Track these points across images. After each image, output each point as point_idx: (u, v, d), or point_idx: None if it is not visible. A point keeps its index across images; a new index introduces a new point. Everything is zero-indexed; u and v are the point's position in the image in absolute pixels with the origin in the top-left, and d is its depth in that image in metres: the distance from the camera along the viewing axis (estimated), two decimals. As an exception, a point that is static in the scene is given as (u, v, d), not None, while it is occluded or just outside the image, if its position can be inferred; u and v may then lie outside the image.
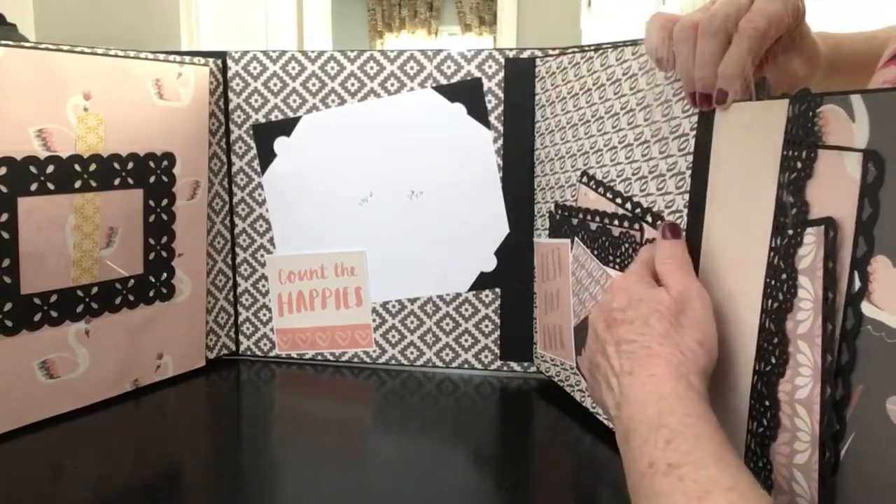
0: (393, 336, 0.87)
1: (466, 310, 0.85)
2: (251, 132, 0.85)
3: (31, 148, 0.66)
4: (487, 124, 0.81)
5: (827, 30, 0.57)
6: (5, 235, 0.65)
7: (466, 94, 0.81)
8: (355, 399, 0.81)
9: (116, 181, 0.73)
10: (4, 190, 0.64)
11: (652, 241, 0.55)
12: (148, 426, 0.73)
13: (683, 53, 0.48)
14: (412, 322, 0.86)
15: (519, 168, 0.81)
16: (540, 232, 0.81)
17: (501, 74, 0.80)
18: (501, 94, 0.80)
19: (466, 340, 0.85)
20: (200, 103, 0.81)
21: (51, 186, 0.67)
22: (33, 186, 0.66)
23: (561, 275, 0.76)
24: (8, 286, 0.65)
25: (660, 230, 0.52)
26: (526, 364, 0.85)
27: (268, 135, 0.85)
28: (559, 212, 0.76)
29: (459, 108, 0.81)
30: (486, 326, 0.85)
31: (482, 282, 0.84)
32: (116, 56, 0.72)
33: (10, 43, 0.64)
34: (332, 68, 0.83)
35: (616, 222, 0.65)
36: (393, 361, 0.87)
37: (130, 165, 0.74)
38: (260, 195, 0.86)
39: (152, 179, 0.77)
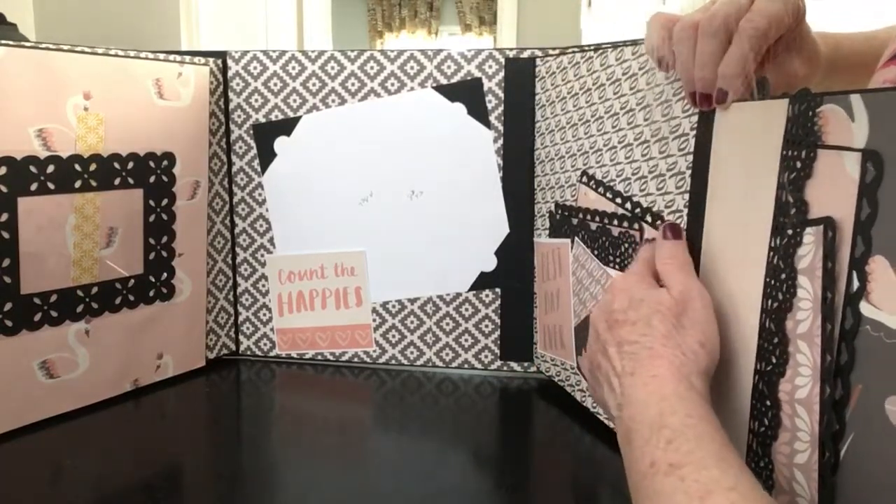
0: (393, 336, 0.87)
1: (466, 310, 0.85)
2: (251, 132, 0.85)
3: (31, 148, 0.66)
4: (487, 124, 0.81)
5: (827, 30, 0.57)
6: (5, 235, 0.65)
7: (466, 93, 0.81)
8: (355, 399, 0.81)
9: (116, 181, 0.73)
10: (4, 190, 0.64)
11: (652, 241, 0.55)
12: (148, 426, 0.73)
13: (683, 53, 0.48)
14: (412, 322, 0.86)
15: (519, 168, 0.81)
16: (540, 232, 0.81)
17: (501, 74, 0.80)
18: (501, 94, 0.80)
19: (466, 340, 0.85)
20: (200, 103, 0.81)
21: (51, 186, 0.67)
22: (33, 186, 0.66)
23: (561, 275, 0.76)
24: (8, 286, 0.65)
25: (660, 230, 0.52)
26: (526, 364, 0.85)
27: (268, 134, 0.85)
28: (559, 212, 0.76)
29: (459, 108, 0.81)
30: (486, 326, 0.85)
31: (482, 282, 0.84)
32: (116, 56, 0.72)
33: (11, 43, 0.64)
34: (333, 68, 0.83)
35: (616, 222, 0.65)
36: (393, 361, 0.87)
37: (130, 165, 0.74)
38: (260, 195, 0.86)
39: (152, 179, 0.77)
